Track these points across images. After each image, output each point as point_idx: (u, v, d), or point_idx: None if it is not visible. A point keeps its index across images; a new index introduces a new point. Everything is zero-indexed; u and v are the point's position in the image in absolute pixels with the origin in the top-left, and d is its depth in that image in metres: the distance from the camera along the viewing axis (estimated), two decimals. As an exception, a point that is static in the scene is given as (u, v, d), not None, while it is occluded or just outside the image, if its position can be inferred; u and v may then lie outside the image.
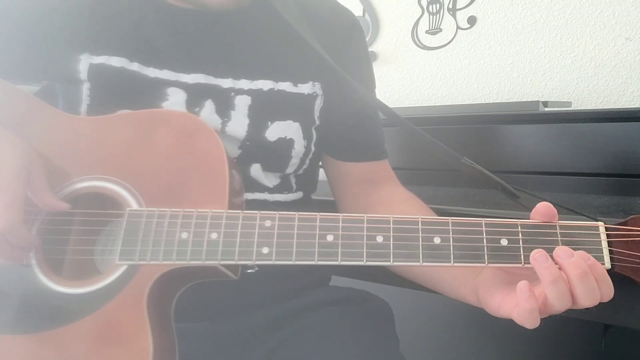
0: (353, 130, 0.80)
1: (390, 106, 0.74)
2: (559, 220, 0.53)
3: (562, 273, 0.49)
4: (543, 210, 0.53)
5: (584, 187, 0.95)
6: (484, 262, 0.52)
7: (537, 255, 0.50)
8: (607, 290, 0.49)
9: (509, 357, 1.29)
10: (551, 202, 0.53)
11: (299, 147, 0.74)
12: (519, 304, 0.50)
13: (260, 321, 0.73)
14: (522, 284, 0.49)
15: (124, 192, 0.60)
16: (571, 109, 1.30)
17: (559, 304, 0.49)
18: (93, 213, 0.62)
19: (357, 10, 1.77)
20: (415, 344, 1.38)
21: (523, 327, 0.52)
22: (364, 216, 0.55)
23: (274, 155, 0.73)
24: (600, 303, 0.50)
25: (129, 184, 0.60)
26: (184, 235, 0.56)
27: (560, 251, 0.50)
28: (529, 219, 0.54)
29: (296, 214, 0.55)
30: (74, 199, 0.61)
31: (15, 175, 0.54)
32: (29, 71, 0.72)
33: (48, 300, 0.58)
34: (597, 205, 0.84)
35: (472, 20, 1.57)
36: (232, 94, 0.71)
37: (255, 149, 0.72)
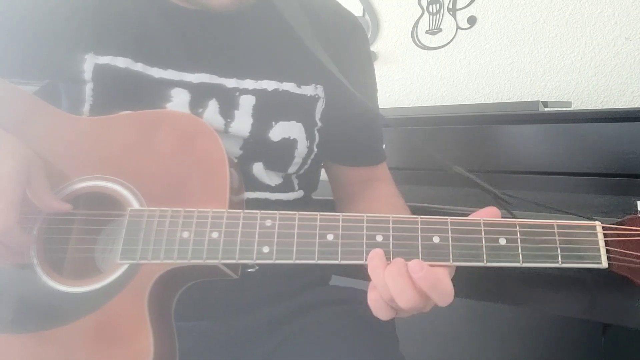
0: (353, 135, 0.80)
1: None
2: (556, 221, 0.53)
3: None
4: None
5: (583, 187, 0.95)
6: (483, 262, 0.52)
7: (373, 254, 0.54)
8: (442, 297, 0.51)
9: (509, 357, 1.29)
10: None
11: (302, 148, 0.75)
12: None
13: (260, 320, 0.73)
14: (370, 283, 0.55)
15: (125, 192, 0.60)
16: (571, 109, 1.30)
17: (382, 293, 0.53)
18: (94, 212, 0.63)
19: (357, 10, 1.77)
20: (415, 344, 1.39)
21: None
22: (363, 216, 0.55)
23: (277, 154, 0.74)
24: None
25: (131, 183, 0.60)
26: (185, 234, 0.56)
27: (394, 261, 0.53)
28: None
29: (296, 214, 0.56)
30: (76, 198, 0.61)
31: (12, 179, 0.54)
32: (31, 70, 0.72)
33: (49, 299, 0.58)
34: (596, 205, 0.84)
35: (472, 20, 1.57)
36: (237, 93, 0.71)
37: (258, 148, 0.72)
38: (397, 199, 0.77)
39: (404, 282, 0.51)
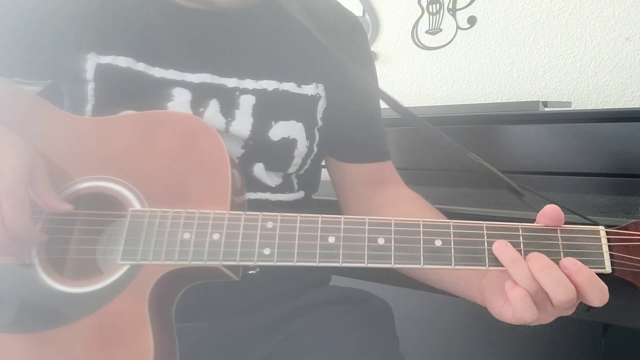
0: (356, 131, 0.80)
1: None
2: (560, 225, 0.53)
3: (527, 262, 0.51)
4: (549, 213, 0.53)
5: (584, 187, 0.96)
6: (485, 265, 0.52)
7: (497, 245, 0.52)
8: (597, 294, 0.49)
9: (509, 357, 1.30)
10: (556, 203, 0.53)
11: (301, 147, 0.75)
12: (508, 297, 0.51)
13: (260, 321, 0.73)
14: (507, 282, 0.51)
15: (126, 193, 0.60)
16: (571, 109, 1.30)
17: (530, 287, 0.50)
18: (96, 213, 0.62)
19: (357, 10, 1.77)
20: (415, 344, 1.39)
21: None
22: (365, 218, 0.55)
23: (277, 154, 0.74)
24: None
25: (132, 184, 0.60)
26: (186, 235, 0.56)
27: (530, 255, 0.51)
28: (530, 219, 0.54)
29: (298, 216, 0.56)
30: (77, 198, 0.61)
31: (18, 178, 0.54)
32: (33, 69, 0.72)
33: (50, 299, 0.58)
34: (597, 204, 0.84)
35: (472, 20, 1.57)
36: (237, 93, 0.71)
37: (258, 149, 0.72)
38: (423, 200, 0.76)
39: (558, 273, 0.49)
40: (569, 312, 0.52)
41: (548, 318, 0.53)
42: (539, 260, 0.50)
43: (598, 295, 0.49)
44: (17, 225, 0.54)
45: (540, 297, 0.50)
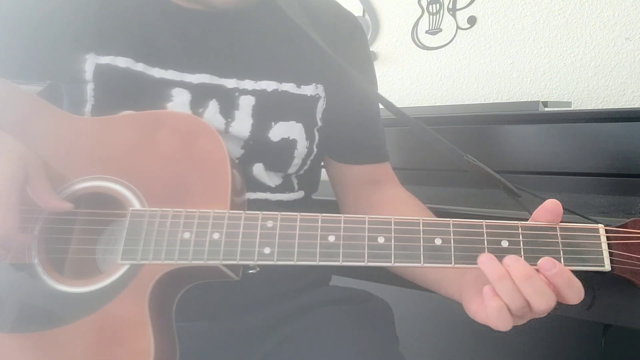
0: (355, 132, 0.80)
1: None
2: (559, 223, 0.53)
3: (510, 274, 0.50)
4: (550, 207, 0.53)
5: (584, 187, 0.96)
6: None
7: (483, 258, 0.51)
8: (575, 294, 0.49)
9: (509, 357, 1.30)
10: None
11: (301, 148, 0.75)
12: (485, 304, 0.51)
13: (260, 321, 0.73)
14: (486, 287, 0.51)
15: (126, 192, 0.60)
16: (571, 109, 1.30)
17: (512, 303, 0.49)
18: (96, 212, 0.62)
19: (357, 10, 1.77)
20: (415, 344, 1.39)
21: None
22: (365, 217, 0.55)
23: (277, 155, 0.74)
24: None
25: (132, 184, 0.60)
26: (186, 235, 0.56)
27: (507, 259, 0.51)
28: (529, 219, 0.54)
29: (298, 215, 0.55)
30: (77, 198, 0.61)
31: (9, 181, 0.53)
32: (33, 70, 0.72)
33: (50, 299, 0.58)
34: (597, 205, 0.84)
35: (472, 20, 1.57)
36: (237, 94, 0.71)
37: (258, 149, 0.72)
38: (417, 201, 0.77)
39: (542, 284, 0.49)
40: (543, 315, 0.52)
41: (522, 321, 0.53)
42: (520, 270, 0.49)
43: (576, 294, 0.50)
44: (4, 235, 0.52)
45: (524, 311, 0.50)
